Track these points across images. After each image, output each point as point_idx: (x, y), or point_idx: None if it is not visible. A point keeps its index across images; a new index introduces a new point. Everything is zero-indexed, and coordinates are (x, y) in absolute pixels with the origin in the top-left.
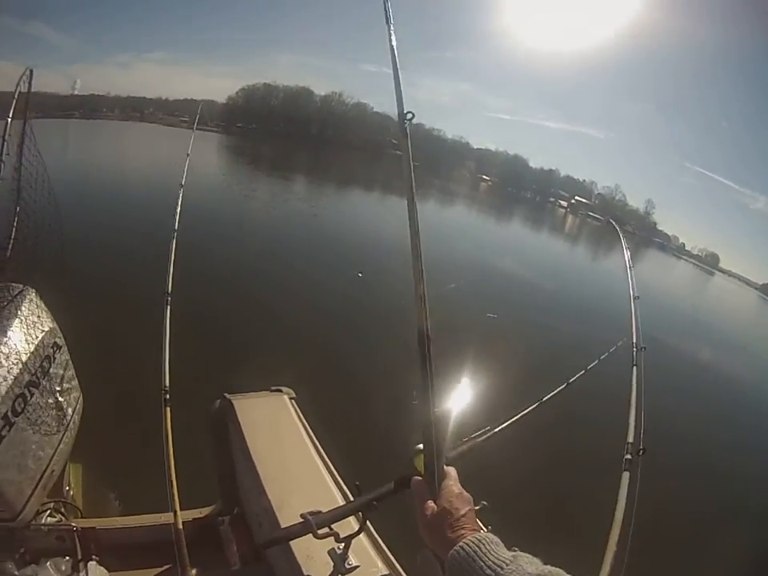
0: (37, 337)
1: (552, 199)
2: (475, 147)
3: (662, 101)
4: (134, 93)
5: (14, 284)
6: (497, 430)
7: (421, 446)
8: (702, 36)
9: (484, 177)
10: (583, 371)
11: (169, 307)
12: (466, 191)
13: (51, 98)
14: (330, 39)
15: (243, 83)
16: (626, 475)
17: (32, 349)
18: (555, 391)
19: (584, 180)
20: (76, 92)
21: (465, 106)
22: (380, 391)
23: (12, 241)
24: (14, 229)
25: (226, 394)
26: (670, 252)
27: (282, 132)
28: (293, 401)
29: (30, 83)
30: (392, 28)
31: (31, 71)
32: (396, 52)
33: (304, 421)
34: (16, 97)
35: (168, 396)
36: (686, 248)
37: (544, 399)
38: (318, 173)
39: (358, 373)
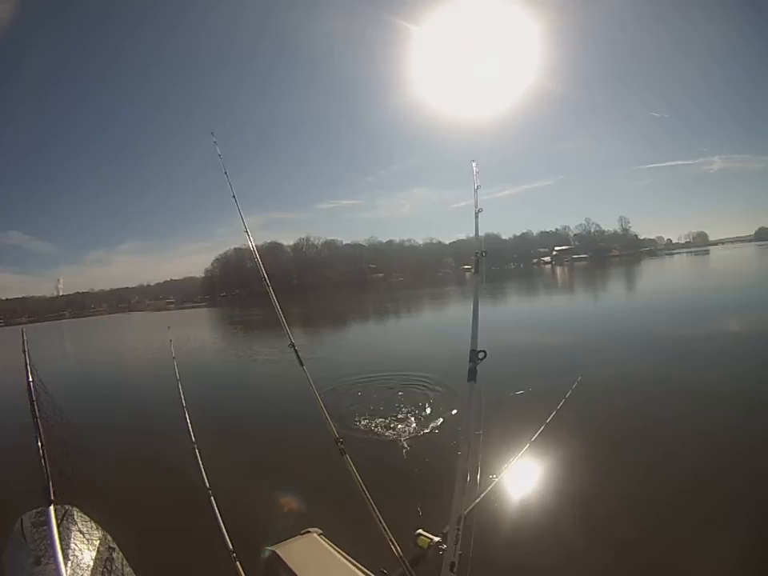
0: (95, 545)
1: (535, 260)
2: (448, 243)
3: (584, 125)
4: (115, 285)
5: (59, 506)
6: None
7: (420, 530)
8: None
9: (465, 266)
10: None
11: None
12: (453, 287)
13: (40, 301)
14: (282, 192)
15: (215, 254)
16: None
17: (94, 555)
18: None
19: (556, 229)
20: (61, 293)
21: (426, 208)
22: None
23: (46, 468)
24: (43, 459)
25: (267, 547)
26: (661, 254)
27: (264, 290)
28: (322, 537)
29: (24, 341)
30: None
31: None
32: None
33: (342, 552)
34: (27, 350)
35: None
36: (674, 242)
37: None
38: (310, 318)
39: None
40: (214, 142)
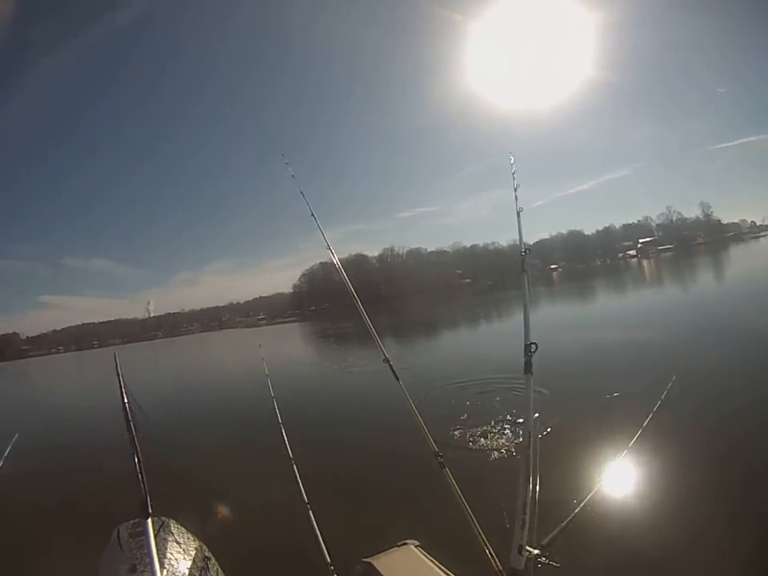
0: (191, 555)
1: (620, 254)
2: (532, 243)
3: (656, 106)
4: (205, 304)
5: (157, 517)
6: (575, 512)
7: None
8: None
9: (552, 266)
10: None
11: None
12: (542, 289)
13: (132, 323)
14: (359, 203)
15: (300, 269)
16: None
17: (189, 565)
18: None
19: (638, 220)
20: (152, 314)
21: (506, 208)
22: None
23: (143, 483)
24: (140, 474)
25: (363, 559)
26: (746, 238)
27: (353, 302)
28: (419, 548)
29: (117, 364)
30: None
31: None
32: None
33: (439, 565)
34: (120, 373)
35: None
36: (758, 224)
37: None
38: (400, 328)
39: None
40: (286, 164)
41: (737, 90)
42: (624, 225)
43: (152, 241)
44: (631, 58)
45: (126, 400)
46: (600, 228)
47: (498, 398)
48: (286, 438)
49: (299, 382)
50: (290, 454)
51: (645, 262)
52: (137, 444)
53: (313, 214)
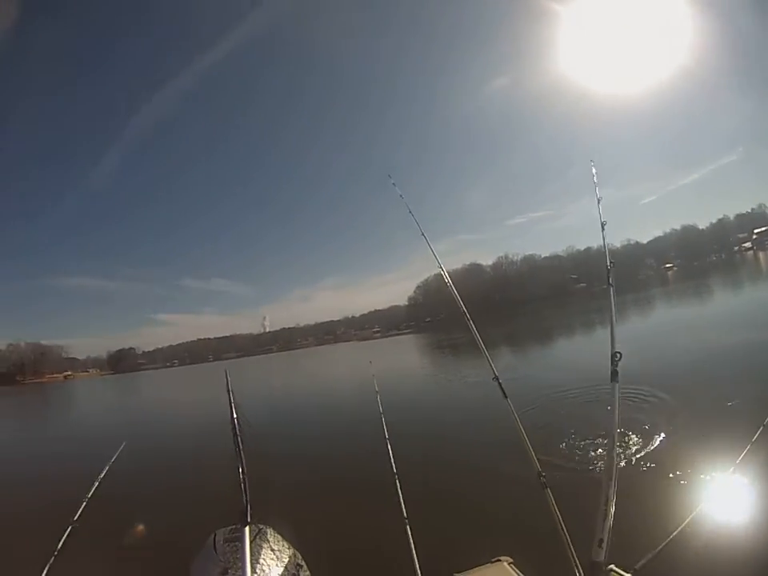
0: (284, 562)
1: (735, 247)
2: (646, 242)
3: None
4: (320, 319)
5: (254, 525)
6: (673, 535)
7: (612, 565)
8: None
9: (667, 265)
10: None
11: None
12: (658, 290)
13: (247, 338)
14: (468, 213)
15: (416, 281)
16: None
17: (281, 572)
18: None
19: (752, 209)
20: (267, 329)
21: (615, 208)
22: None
23: (245, 493)
24: (243, 484)
25: (455, 573)
26: None
27: (469, 311)
28: (512, 566)
29: (228, 380)
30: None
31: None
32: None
33: None
34: (230, 388)
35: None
36: None
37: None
38: (516, 338)
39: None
40: (393, 184)
41: None
42: (737, 215)
43: (268, 260)
44: (727, 40)
45: (234, 415)
46: (713, 220)
47: (609, 407)
48: (392, 455)
49: (409, 395)
50: (394, 469)
51: (761, 254)
52: (242, 455)
53: (423, 234)
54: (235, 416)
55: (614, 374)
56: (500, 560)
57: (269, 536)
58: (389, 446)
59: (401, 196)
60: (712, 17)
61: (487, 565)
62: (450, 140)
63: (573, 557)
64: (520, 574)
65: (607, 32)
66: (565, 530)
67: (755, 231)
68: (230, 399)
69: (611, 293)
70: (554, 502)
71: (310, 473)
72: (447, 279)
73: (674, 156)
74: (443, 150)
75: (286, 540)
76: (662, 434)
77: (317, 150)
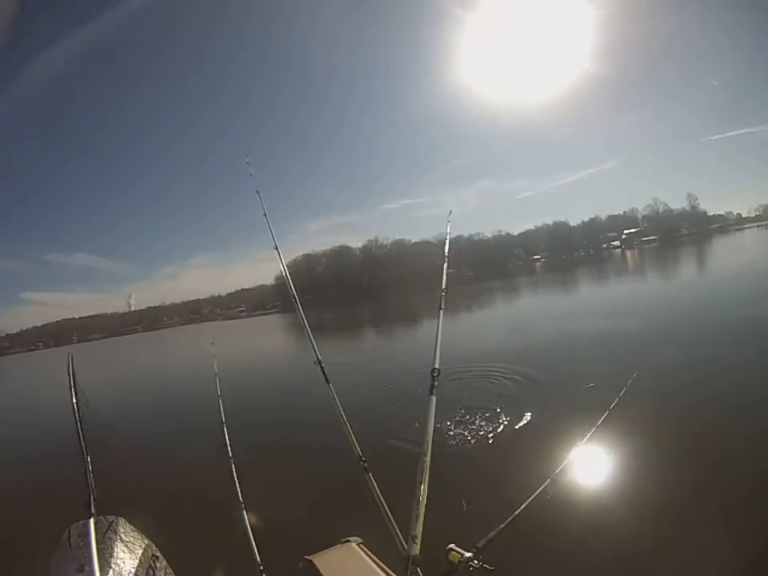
0: (138, 555)
1: (604, 245)
2: (516, 234)
3: (647, 98)
4: (187, 298)
5: (103, 517)
6: (517, 513)
7: (452, 545)
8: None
9: (536, 256)
10: None
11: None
12: (525, 279)
13: (112, 318)
14: (346, 195)
15: (285, 261)
16: None
17: (136, 564)
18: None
19: (624, 212)
20: (133, 308)
21: (492, 200)
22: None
23: (90, 483)
24: (89, 473)
25: (306, 556)
26: (731, 230)
27: (335, 293)
28: (361, 546)
29: (70, 363)
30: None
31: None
32: None
33: (380, 563)
34: (72, 372)
35: (262, 567)
36: (743, 216)
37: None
38: (383, 319)
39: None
40: (247, 162)
41: (729, 81)
42: (610, 216)
43: (134, 236)
44: (622, 51)
45: (74, 400)
46: (586, 219)
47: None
48: (227, 438)
49: (251, 378)
50: (230, 453)
51: (628, 253)
52: (84, 445)
53: (265, 214)
54: (75, 400)
55: (432, 388)
56: (349, 540)
57: (120, 527)
58: (225, 429)
59: (251, 174)
60: (610, 31)
61: (337, 546)
62: (348, 129)
63: (398, 537)
64: (369, 553)
65: (507, 33)
66: (387, 512)
67: (624, 231)
68: (71, 385)
69: (440, 316)
70: (375, 485)
71: (156, 461)
72: (282, 265)
73: (556, 157)
74: (326, 135)
75: (139, 531)
76: (522, 412)
77: (196, 130)
